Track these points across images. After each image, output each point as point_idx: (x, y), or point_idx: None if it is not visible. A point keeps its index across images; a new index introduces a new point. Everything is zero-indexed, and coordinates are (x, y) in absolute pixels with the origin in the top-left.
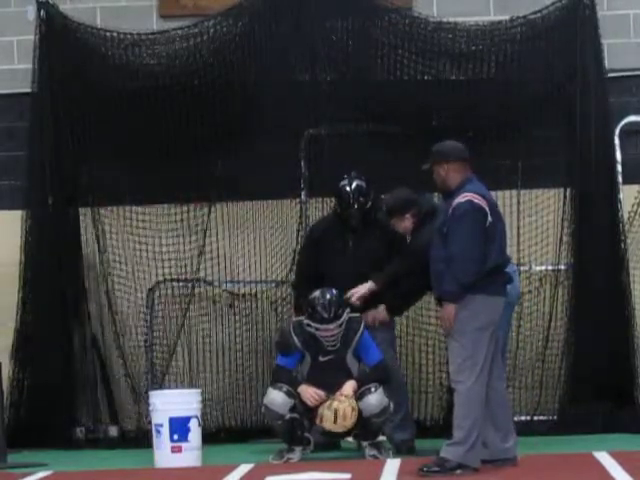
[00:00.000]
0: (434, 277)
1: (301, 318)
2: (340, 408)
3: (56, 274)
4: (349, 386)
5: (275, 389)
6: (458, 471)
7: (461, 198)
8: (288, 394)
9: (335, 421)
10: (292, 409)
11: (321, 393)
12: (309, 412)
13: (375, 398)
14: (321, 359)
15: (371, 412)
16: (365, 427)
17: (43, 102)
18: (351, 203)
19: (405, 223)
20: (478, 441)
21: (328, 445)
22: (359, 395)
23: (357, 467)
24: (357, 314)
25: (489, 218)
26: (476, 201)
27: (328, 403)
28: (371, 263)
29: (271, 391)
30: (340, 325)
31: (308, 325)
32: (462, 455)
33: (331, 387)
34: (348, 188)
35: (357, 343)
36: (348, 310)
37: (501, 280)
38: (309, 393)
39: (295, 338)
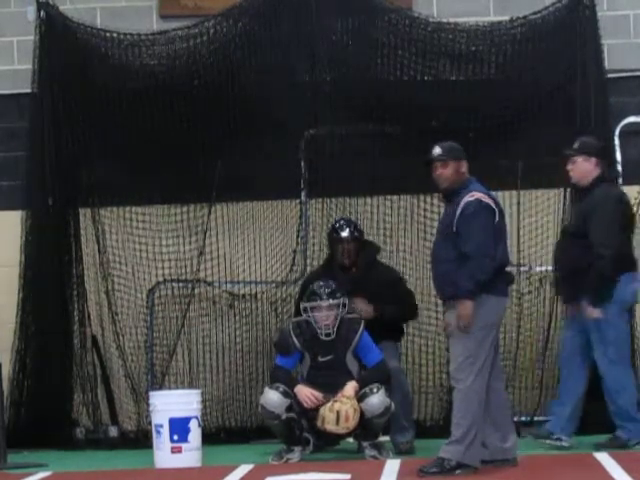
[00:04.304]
0: (440, 278)
1: (301, 318)
2: (342, 409)
3: (56, 274)
4: (350, 387)
5: (272, 389)
6: (457, 471)
7: (469, 197)
8: (284, 394)
9: (337, 422)
10: (289, 409)
11: (318, 395)
12: (306, 412)
13: (377, 399)
14: (321, 359)
15: (373, 413)
16: (366, 428)
17: (43, 102)
18: (344, 237)
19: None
20: (477, 440)
21: (328, 444)
22: (360, 396)
23: (357, 467)
24: (356, 315)
25: (496, 217)
26: (485, 200)
27: (330, 405)
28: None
29: (267, 391)
30: (336, 307)
31: (304, 310)
32: (461, 454)
33: (331, 387)
34: (341, 222)
35: (357, 343)
36: (346, 298)
37: (505, 281)
38: (305, 394)
39: (294, 338)
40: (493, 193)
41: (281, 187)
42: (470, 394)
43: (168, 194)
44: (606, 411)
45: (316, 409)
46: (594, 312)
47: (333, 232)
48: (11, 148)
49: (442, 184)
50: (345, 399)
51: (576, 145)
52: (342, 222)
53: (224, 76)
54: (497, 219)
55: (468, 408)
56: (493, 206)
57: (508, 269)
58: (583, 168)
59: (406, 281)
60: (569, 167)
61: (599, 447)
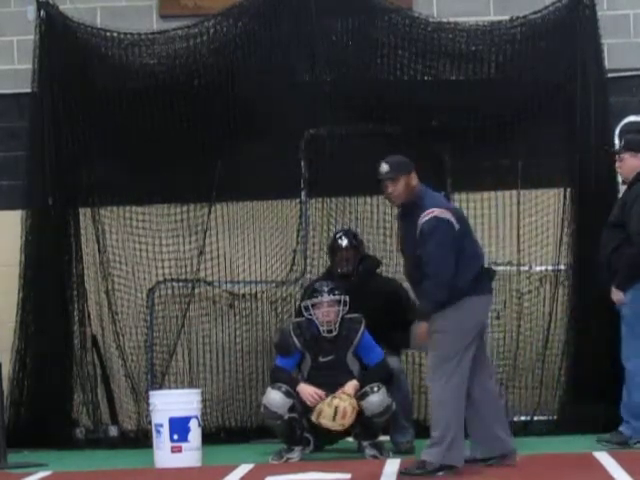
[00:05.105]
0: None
1: (301, 318)
2: (340, 406)
3: (56, 274)
4: (351, 385)
5: (274, 389)
6: (440, 473)
7: (425, 216)
8: (287, 394)
9: (334, 418)
10: (291, 409)
11: (321, 393)
12: (308, 412)
13: (377, 397)
14: (322, 359)
15: (373, 411)
16: (366, 427)
17: (43, 102)
18: (343, 246)
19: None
20: (457, 439)
21: (327, 443)
22: (361, 394)
23: (357, 467)
24: (357, 314)
25: (456, 226)
26: (441, 215)
27: (329, 400)
28: (369, 315)
29: (270, 391)
30: (337, 303)
31: (306, 309)
32: (441, 456)
33: (332, 387)
34: (341, 232)
35: (358, 343)
36: (346, 296)
37: (487, 277)
38: (308, 392)
39: (295, 339)
40: (447, 200)
41: (281, 187)
42: (445, 394)
43: (168, 194)
44: (616, 413)
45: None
46: (617, 294)
47: (333, 242)
48: (11, 148)
49: (395, 202)
50: (345, 396)
51: (622, 142)
52: (341, 232)
53: (224, 76)
54: (457, 227)
55: (443, 409)
56: (450, 218)
57: (507, 269)
58: (631, 164)
59: (407, 291)
60: (617, 165)
61: (600, 440)
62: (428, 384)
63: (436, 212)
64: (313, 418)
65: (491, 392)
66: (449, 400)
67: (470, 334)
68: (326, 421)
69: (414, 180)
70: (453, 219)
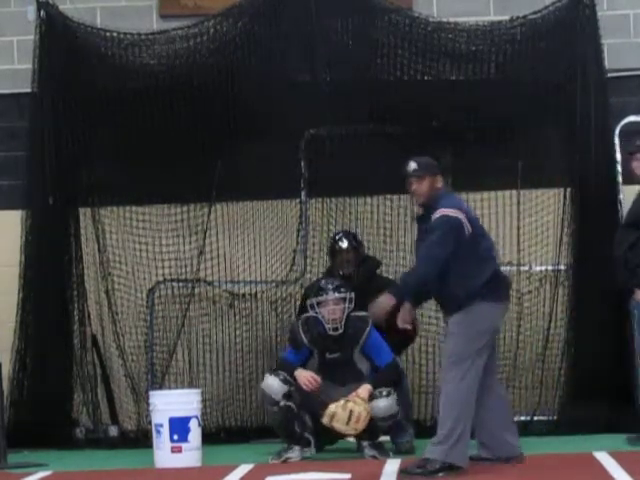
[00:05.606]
0: (439, 295)
1: (309, 314)
2: (355, 410)
3: (56, 274)
4: (365, 389)
5: (272, 375)
6: (441, 473)
7: (437, 214)
8: (284, 381)
9: (347, 422)
10: (289, 397)
11: (317, 378)
12: (307, 405)
13: (385, 403)
14: (329, 356)
15: (377, 415)
16: (369, 428)
17: (43, 102)
18: (343, 248)
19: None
20: (462, 440)
21: (327, 443)
22: (370, 397)
23: (357, 467)
24: (364, 313)
25: (467, 229)
26: (451, 214)
27: (342, 403)
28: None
29: (268, 377)
30: (342, 301)
31: (311, 307)
32: (444, 454)
33: (340, 385)
34: (340, 234)
35: (365, 341)
36: (352, 293)
37: (503, 285)
38: (305, 377)
39: (302, 335)
40: (464, 204)
41: (281, 187)
42: (455, 395)
43: (168, 194)
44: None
45: (324, 407)
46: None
47: (333, 243)
48: (11, 148)
49: (418, 200)
50: (359, 400)
51: (638, 142)
52: (341, 234)
53: (224, 76)
54: (469, 230)
55: (452, 408)
56: (461, 218)
57: (507, 269)
58: None
59: None
60: (634, 165)
61: (630, 440)
62: (440, 384)
63: (448, 211)
64: (325, 421)
65: (501, 397)
66: (459, 401)
67: (483, 337)
68: (339, 425)
69: (439, 182)
70: (465, 220)
